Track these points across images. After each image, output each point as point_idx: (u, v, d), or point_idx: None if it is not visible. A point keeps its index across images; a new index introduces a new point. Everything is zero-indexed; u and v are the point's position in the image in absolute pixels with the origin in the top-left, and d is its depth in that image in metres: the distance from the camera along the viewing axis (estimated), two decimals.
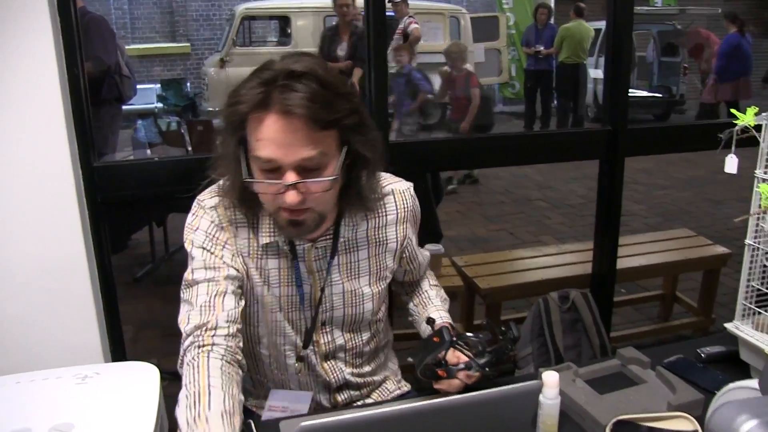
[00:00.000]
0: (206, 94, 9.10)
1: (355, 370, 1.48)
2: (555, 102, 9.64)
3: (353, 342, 1.45)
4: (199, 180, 2.08)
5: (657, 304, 3.56)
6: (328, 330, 1.41)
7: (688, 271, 3.35)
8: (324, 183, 1.18)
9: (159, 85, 9.51)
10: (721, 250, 3.18)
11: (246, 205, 1.28)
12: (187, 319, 1.23)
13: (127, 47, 10.55)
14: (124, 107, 5.12)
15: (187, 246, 1.29)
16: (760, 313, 1.35)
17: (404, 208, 1.42)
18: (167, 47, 11.60)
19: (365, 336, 1.47)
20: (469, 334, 1.31)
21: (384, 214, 1.40)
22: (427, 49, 9.40)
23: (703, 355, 1.48)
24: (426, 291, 1.59)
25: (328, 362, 1.45)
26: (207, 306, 1.22)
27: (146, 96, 9.11)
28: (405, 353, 1.42)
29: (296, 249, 1.32)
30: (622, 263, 2.76)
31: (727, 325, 1.39)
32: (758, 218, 1.25)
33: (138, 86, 6.99)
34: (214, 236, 1.29)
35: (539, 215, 5.71)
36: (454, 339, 1.26)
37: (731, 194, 6.01)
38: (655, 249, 3.24)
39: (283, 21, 9.31)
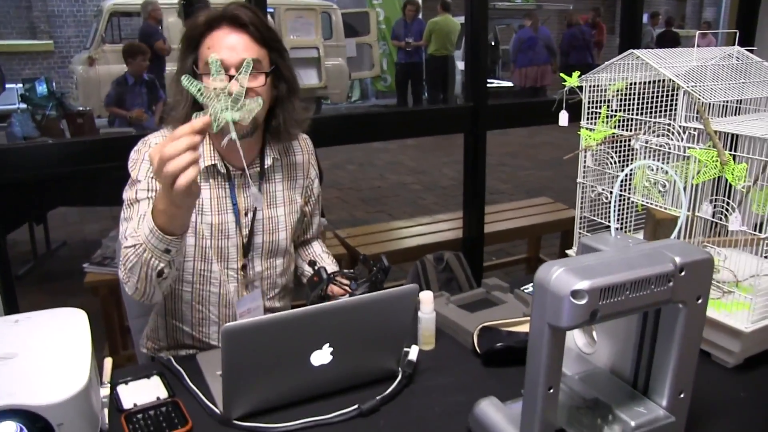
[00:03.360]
0: (75, 93, 8.81)
1: (267, 303, 1.68)
2: (426, 94, 10.08)
3: (270, 271, 1.66)
4: (85, 160, 2.19)
5: (524, 266, 3.94)
6: (249, 258, 1.61)
7: (548, 232, 3.73)
8: (261, 78, 1.47)
9: (21, 85, 9.07)
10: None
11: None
12: (126, 227, 1.44)
13: None
14: None
15: (133, 175, 1.51)
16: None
17: (308, 151, 1.73)
18: (27, 44, 11.07)
19: (279, 266, 1.68)
20: (345, 270, 1.56)
21: (293, 154, 1.69)
22: (300, 44, 9.58)
23: None
24: (319, 254, 1.84)
25: (247, 290, 1.63)
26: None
27: (7, 96, 8.69)
28: None
29: (231, 173, 1.55)
30: (489, 228, 3.08)
31: (568, 251, 1.68)
32: (583, 157, 1.54)
33: None
34: None
35: (414, 197, 6.05)
36: (331, 275, 1.50)
37: None
38: (518, 215, 3.60)
39: None
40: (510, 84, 11.19)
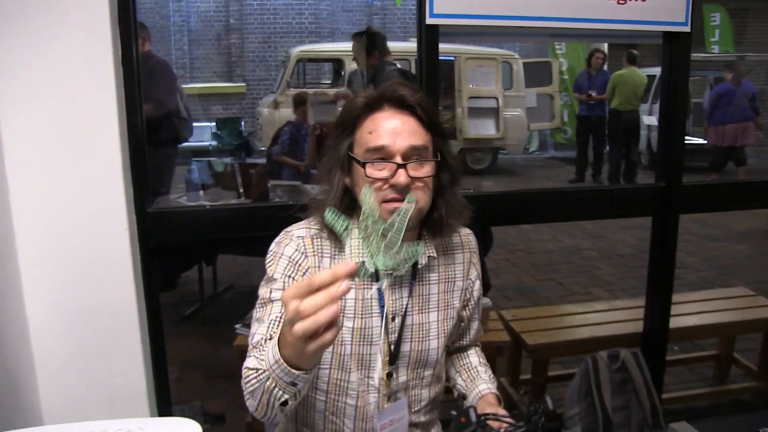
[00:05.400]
0: (259, 133, 9.29)
1: (412, 418, 1.48)
2: (607, 148, 9.53)
3: (416, 381, 1.46)
4: (247, 227, 2.12)
5: (712, 364, 3.43)
6: (394, 366, 1.42)
7: (746, 333, 3.22)
8: (428, 167, 1.32)
9: (214, 123, 9.71)
10: None
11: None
12: (255, 331, 1.28)
13: (186, 86, 10.96)
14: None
15: (270, 271, 1.36)
16: None
17: (469, 249, 1.52)
18: (224, 87, 11.91)
19: (427, 377, 1.47)
20: (500, 415, 1.34)
21: (452, 252, 1.50)
22: (479, 93, 9.46)
23: None
24: (476, 367, 1.61)
25: (390, 403, 1.44)
26: (277, 321, 1.27)
27: (202, 133, 9.32)
28: None
29: (378, 273, 1.35)
30: (674, 322, 2.68)
31: None
32: None
33: (195, 124, 7.14)
34: (297, 263, 1.36)
35: (589, 265, 5.60)
36: (482, 418, 1.27)
37: None
38: (710, 308, 3.12)
39: (336, 64, 9.49)
40: (701, 141, 10.31)
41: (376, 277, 1.36)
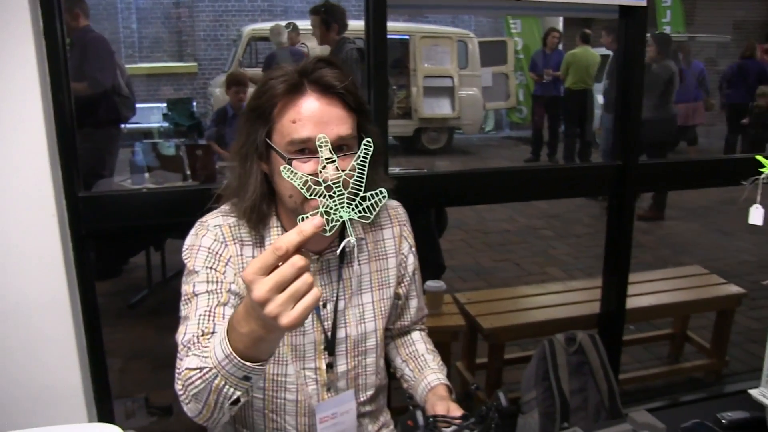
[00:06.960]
0: (212, 114, 9.06)
1: (359, 408, 1.41)
2: (562, 127, 9.55)
3: (359, 370, 1.39)
4: (189, 210, 1.99)
5: (667, 342, 3.43)
6: (333, 356, 1.35)
7: (701, 311, 3.24)
8: (352, 156, 1.17)
9: (165, 105, 9.43)
10: (735, 289, 3.05)
11: (256, 215, 1.26)
12: (184, 330, 1.17)
13: (135, 66, 10.59)
14: (129, 126, 4.99)
15: (189, 264, 1.26)
16: None
17: (398, 222, 1.45)
18: (175, 66, 11.59)
19: (370, 365, 1.40)
20: (450, 417, 1.27)
21: (380, 227, 1.42)
22: (434, 73, 9.36)
23: (724, 420, 1.36)
24: (423, 355, 1.54)
25: (329, 394, 1.36)
26: (206, 315, 1.18)
27: (152, 115, 9.04)
28: None
29: None
30: (631, 302, 2.65)
31: (752, 392, 1.27)
32: None
33: (145, 105, 6.82)
34: (217, 253, 1.27)
35: (545, 245, 5.59)
36: (430, 420, 1.22)
37: (741, 225, 5.85)
38: (665, 287, 3.12)
39: None
40: None
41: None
